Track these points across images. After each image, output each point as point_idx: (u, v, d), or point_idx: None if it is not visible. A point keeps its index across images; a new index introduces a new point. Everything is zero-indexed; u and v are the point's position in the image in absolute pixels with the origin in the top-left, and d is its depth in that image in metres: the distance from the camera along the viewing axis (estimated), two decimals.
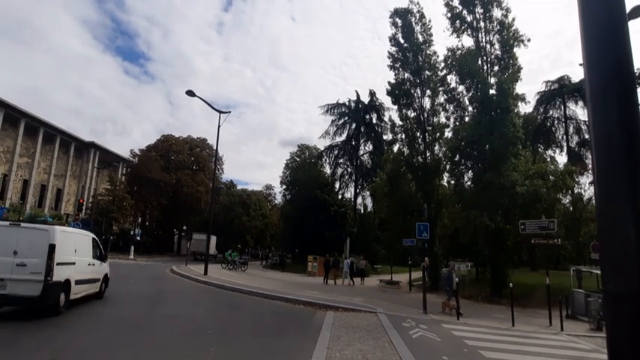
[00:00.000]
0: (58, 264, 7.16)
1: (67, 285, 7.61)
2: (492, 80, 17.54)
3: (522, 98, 18.10)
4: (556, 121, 39.05)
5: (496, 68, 17.78)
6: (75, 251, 8.24)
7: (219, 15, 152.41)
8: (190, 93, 20.04)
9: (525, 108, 24.71)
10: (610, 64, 1.48)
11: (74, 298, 8.07)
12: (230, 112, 22.12)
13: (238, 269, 25.00)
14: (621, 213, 1.38)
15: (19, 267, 6.79)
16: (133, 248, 33.59)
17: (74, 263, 8.05)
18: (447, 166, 20.22)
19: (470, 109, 18.98)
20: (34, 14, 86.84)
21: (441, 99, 20.57)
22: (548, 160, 28.32)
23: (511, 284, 11.32)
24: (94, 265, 9.37)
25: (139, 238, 38.00)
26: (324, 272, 21.41)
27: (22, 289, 6.76)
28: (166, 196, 43.13)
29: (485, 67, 17.93)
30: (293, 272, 26.10)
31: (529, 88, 73.56)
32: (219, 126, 21.03)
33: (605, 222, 1.48)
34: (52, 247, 7.09)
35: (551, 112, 39.49)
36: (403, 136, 21.60)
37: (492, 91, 17.20)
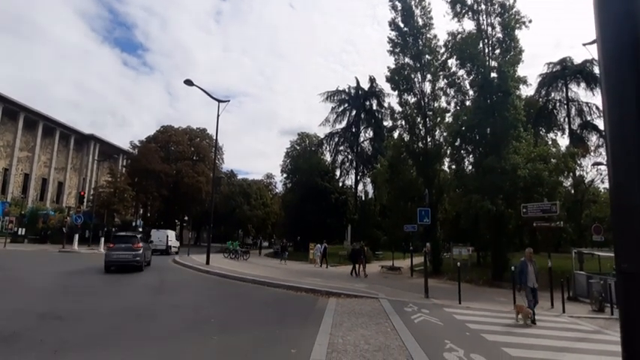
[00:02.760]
0: (169, 241, 28.44)
1: (170, 248, 28.10)
2: (493, 63, 17.26)
3: (524, 81, 17.84)
4: (558, 104, 38.54)
5: (497, 51, 17.46)
6: (167, 236, 28.63)
7: (218, 4, 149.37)
8: (188, 82, 19.76)
9: (527, 91, 24.36)
10: (625, 30, 1.40)
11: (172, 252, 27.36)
12: (229, 100, 21.90)
13: (240, 258, 25.15)
14: (636, 191, 1.31)
15: (160, 241, 27.14)
16: None
17: (171, 240, 29.11)
18: (448, 151, 20.07)
19: (471, 93, 18.73)
20: (31, 7, 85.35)
21: (442, 83, 20.27)
22: (550, 142, 28.02)
23: (513, 267, 11.30)
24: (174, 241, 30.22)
25: (140, 229, 38.15)
26: (352, 264, 18.34)
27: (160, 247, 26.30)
28: (167, 187, 43.20)
29: (486, 51, 17.60)
30: (294, 260, 26.24)
31: (531, 70, 72.48)
32: (218, 115, 20.84)
33: (619, 200, 1.42)
34: (167, 236, 28.38)
35: (553, 95, 38.94)
36: (403, 122, 21.37)
37: (493, 75, 16.97)
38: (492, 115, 16.55)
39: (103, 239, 29.09)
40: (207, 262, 18.45)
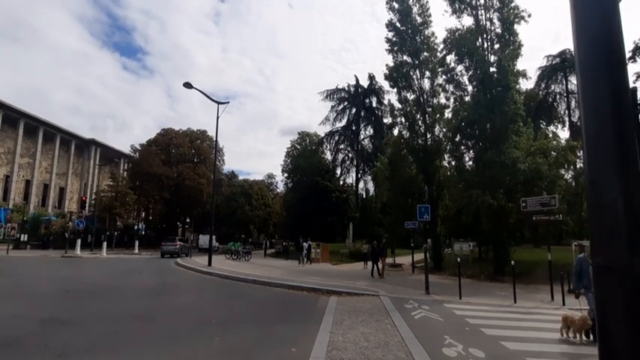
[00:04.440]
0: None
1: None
2: (492, 58, 17.29)
3: (523, 74, 17.90)
4: (558, 96, 38.47)
5: (496, 46, 17.50)
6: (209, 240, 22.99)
7: (216, 5, 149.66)
8: (188, 85, 19.85)
9: (526, 84, 24.39)
10: (601, 41, 1.47)
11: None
12: (229, 102, 21.98)
13: (242, 259, 25.23)
14: (610, 188, 1.38)
15: (204, 243, 34.25)
16: (137, 243, 33.92)
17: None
18: (448, 147, 20.09)
19: (470, 88, 18.77)
20: (29, 13, 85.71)
21: (441, 80, 20.29)
22: (550, 135, 27.98)
23: (513, 262, 11.33)
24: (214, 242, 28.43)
25: (143, 232, 38.32)
26: (371, 262, 17.15)
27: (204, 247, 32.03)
28: (169, 190, 43.33)
29: (485, 46, 17.63)
30: (296, 259, 26.30)
31: (530, 64, 72.24)
32: (217, 117, 20.91)
33: (594, 196, 1.50)
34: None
35: (552, 87, 38.87)
36: (403, 119, 21.39)
37: (492, 69, 17.01)
38: (492, 110, 16.57)
39: (105, 244, 29.25)
40: (209, 264, 18.53)
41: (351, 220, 38.12)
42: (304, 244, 25.40)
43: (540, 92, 37.75)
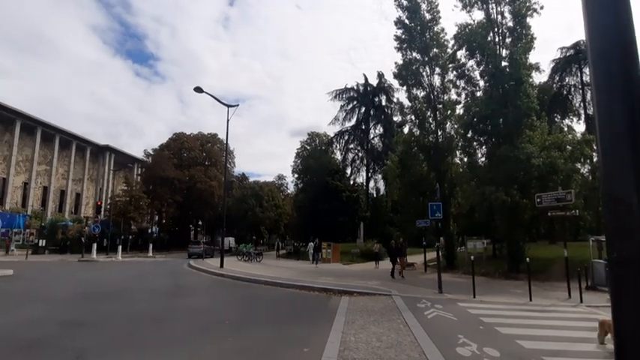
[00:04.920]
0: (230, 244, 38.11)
1: (232, 248, 37.13)
2: (504, 52, 17.04)
3: (536, 67, 17.60)
4: (572, 89, 37.50)
5: (508, 40, 17.22)
6: (230, 241, 38.10)
7: (225, 10, 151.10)
8: (198, 89, 20.11)
9: (540, 77, 23.90)
10: (613, 31, 1.43)
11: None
12: (238, 105, 22.16)
13: (253, 260, 25.39)
14: (624, 181, 1.34)
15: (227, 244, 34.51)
16: (151, 246, 34.49)
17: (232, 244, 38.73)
18: (460, 144, 19.82)
19: (481, 83, 18.50)
20: (45, 25, 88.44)
21: (451, 76, 20.06)
22: (566, 129, 27.31)
23: (528, 259, 11.09)
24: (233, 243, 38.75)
25: (156, 235, 38.95)
26: (391, 263, 16.17)
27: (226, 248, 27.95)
28: (181, 193, 43.91)
29: (496, 40, 17.38)
30: (308, 260, 26.33)
31: (543, 56, 70.67)
32: (227, 120, 21.11)
33: (608, 190, 1.45)
34: (232, 241, 39.31)
35: (567, 80, 37.91)
36: (413, 117, 21.23)
37: (504, 63, 16.78)
38: (505, 104, 16.33)
39: (120, 247, 29.84)
40: (222, 266, 18.70)
41: (362, 219, 37.95)
42: (310, 243, 25.74)
43: (554, 85, 36.86)
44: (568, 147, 16.99)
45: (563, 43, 62.81)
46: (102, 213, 35.82)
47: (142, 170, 51.75)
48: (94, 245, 27.71)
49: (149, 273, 17.48)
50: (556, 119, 31.40)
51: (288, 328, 6.67)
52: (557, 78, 37.81)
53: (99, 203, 34.85)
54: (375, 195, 46.13)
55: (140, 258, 30.19)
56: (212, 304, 9.62)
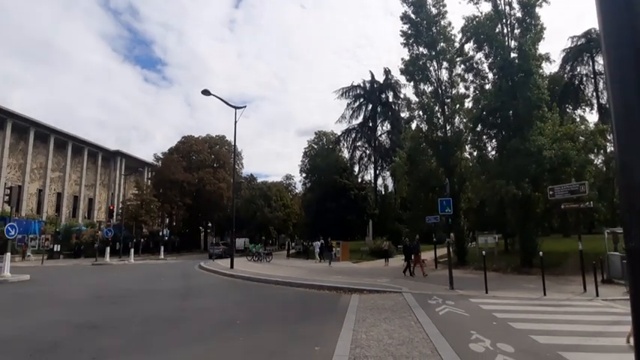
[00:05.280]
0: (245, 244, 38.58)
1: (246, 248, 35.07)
2: (513, 44, 16.78)
3: (546, 58, 17.28)
4: (584, 78, 36.65)
5: (517, 31, 16.94)
6: (245, 242, 39.94)
7: (231, 12, 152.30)
8: (206, 92, 20.24)
9: (550, 68, 23.45)
10: (627, 17, 1.38)
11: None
12: (245, 106, 22.24)
13: (263, 260, 25.50)
14: None
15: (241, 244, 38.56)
16: (162, 248, 34.94)
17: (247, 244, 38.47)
18: (469, 138, 19.58)
19: (490, 76, 18.24)
20: (56, 34, 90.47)
21: (459, 69, 19.81)
22: (578, 119, 26.73)
23: (541, 253, 10.89)
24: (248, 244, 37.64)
25: (167, 238, 39.45)
26: (405, 261, 15.82)
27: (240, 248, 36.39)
28: (190, 196, 44.36)
29: (505, 31, 17.11)
30: (318, 259, 26.33)
31: (554, 46, 69.07)
32: (235, 122, 21.22)
33: (624, 180, 1.42)
34: (245, 242, 39.54)
35: (578, 70, 37.06)
36: (421, 112, 21.01)
37: (514, 55, 16.53)
38: (514, 96, 16.11)
39: (132, 251, 30.30)
40: (232, 266, 18.84)
41: (371, 217, 37.80)
42: (316, 242, 25.93)
43: (565, 75, 36.06)
44: (581, 138, 16.62)
45: (573, 32, 61.44)
46: (114, 217, 36.41)
47: (152, 174, 52.44)
48: (107, 249, 28.20)
49: (161, 275, 17.71)
50: (568, 110, 30.74)
51: (299, 327, 6.68)
52: (569, 68, 37.00)
53: (111, 208, 35.45)
54: (383, 192, 45.88)
55: (152, 261, 30.62)
56: (223, 305, 9.69)
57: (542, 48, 16.65)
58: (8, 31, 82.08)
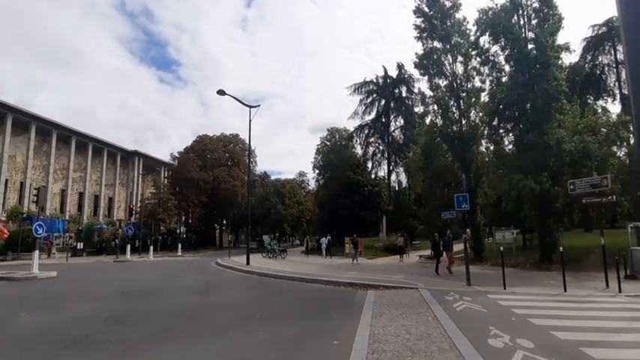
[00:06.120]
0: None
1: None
2: (530, 35, 16.38)
3: (566, 48, 16.83)
4: (606, 68, 35.30)
5: (534, 22, 16.53)
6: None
7: (243, 12, 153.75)
8: (221, 92, 20.52)
9: (570, 58, 22.79)
10: None
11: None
12: (259, 105, 22.41)
13: (278, 257, 25.79)
14: None
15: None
16: (180, 245, 35.75)
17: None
18: (485, 132, 19.24)
19: (507, 68, 17.84)
20: (75, 38, 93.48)
21: (475, 62, 19.43)
22: (600, 111, 25.84)
23: (561, 248, 10.68)
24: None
25: (183, 235, 40.33)
26: (434, 258, 15.36)
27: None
28: (206, 194, 45.15)
29: (521, 22, 16.70)
30: (331, 255, 26.49)
31: (574, 35, 66.88)
32: (250, 120, 21.41)
33: None
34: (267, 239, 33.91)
35: (600, 59, 35.70)
36: (435, 107, 20.75)
37: (531, 46, 16.12)
38: (532, 89, 15.76)
39: (151, 248, 31.12)
40: (248, 263, 19.16)
41: (385, 213, 37.64)
42: (323, 239, 26.34)
43: (586, 65, 34.81)
44: (603, 130, 16.14)
45: (594, 20, 59.08)
46: (133, 215, 37.44)
47: (169, 173, 53.58)
48: (128, 246, 29.08)
49: (180, 272, 18.18)
50: (589, 101, 29.75)
51: (317, 322, 6.80)
52: (590, 57, 35.69)
53: (131, 206, 36.43)
54: (397, 188, 45.57)
55: (170, 257, 31.40)
56: (242, 300, 9.92)
57: (561, 38, 16.23)
58: (31, 36, 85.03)
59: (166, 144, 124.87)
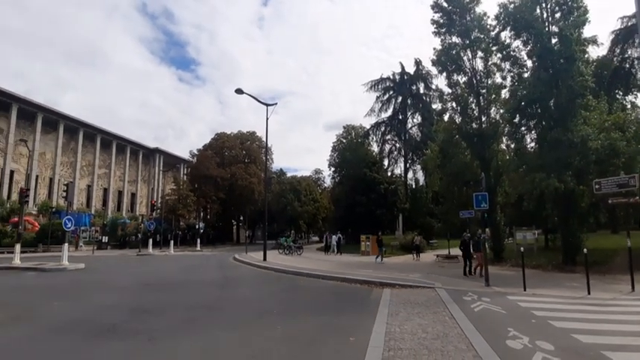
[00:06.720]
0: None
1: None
2: (554, 29, 15.80)
3: (593, 41, 16.18)
4: (636, 62, 33.61)
5: (557, 15, 15.93)
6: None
7: (259, 10, 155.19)
8: (239, 91, 20.85)
9: (597, 51, 21.87)
10: None
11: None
12: (276, 103, 22.62)
13: (294, 253, 26.04)
14: None
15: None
16: (199, 240, 36.63)
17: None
18: (506, 129, 18.76)
19: (529, 64, 17.31)
20: (99, 39, 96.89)
21: (495, 58, 18.90)
22: (629, 107, 24.71)
23: (585, 250, 10.35)
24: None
25: (202, 230, 41.28)
26: (463, 259, 14.00)
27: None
28: (223, 190, 45.97)
29: (544, 16, 16.14)
30: (347, 253, 26.50)
31: (601, 28, 63.88)
32: (267, 119, 21.62)
33: None
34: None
35: (629, 52, 33.96)
36: (454, 104, 20.33)
37: (554, 40, 15.58)
38: (555, 85, 15.25)
39: (172, 242, 32.05)
40: (264, 259, 19.47)
41: (401, 211, 37.31)
42: (333, 236, 26.78)
43: (615, 59, 33.21)
44: (631, 127, 15.45)
45: (623, 12, 56.23)
46: (155, 211, 38.61)
47: (188, 170, 54.86)
48: (150, 241, 30.07)
49: (200, 266, 18.70)
50: (617, 96, 28.45)
51: (333, 319, 6.89)
52: (618, 50, 33.99)
53: (153, 202, 37.62)
54: (414, 186, 45.06)
55: (189, 252, 32.24)
56: (259, 295, 10.14)
57: (587, 31, 15.55)
58: (59, 38, 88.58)
59: (185, 141, 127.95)
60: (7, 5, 76.55)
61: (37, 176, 41.01)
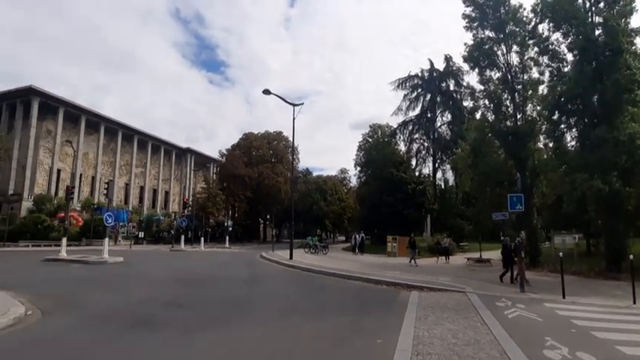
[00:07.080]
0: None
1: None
2: (597, 19, 14.85)
3: None
4: None
5: (601, 5, 14.94)
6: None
7: (286, 11, 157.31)
8: (267, 92, 21.25)
9: None
10: None
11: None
12: (303, 103, 22.77)
13: (320, 253, 26.14)
14: None
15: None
16: (227, 238, 37.69)
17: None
18: (543, 127, 17.80)
19: (569, 57, 16.36)
20: (135, 44, 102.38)
21: (532, 52, 18.03)
22: None
23: (631, 256, 9.62)
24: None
25: (230, 228, 42.41)
26: (503, 265, 12.83)
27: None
28: (251, 189, 47.00)
29: (587, 6, 15.19)
30: (372, 253, 26.25)
31: None
32: (294, 118, 21.80)
33: None
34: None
35: None
36: (486, 101, 19.58)
37: (598, 32, 14.61)
38: (599, 79, 14.30)
39: (202, 239, 33.22)
40: (291, 257, 19.69)
41: (429, 212, 36.41)
42: (355, 235, 26.68)
43: None
44: None
45: None
46: (187, 209, 40.19)
47: (217, 169, 56.57)
48: (182, 237, 31.37)
49: (228, 262, 19.25)
50: None
51: (360, 319, 6.84)
52: None
53: (185, 200, 39.16)
54: (443, 186, 43.82)
55: (218, 249, 33.27)
56: (286, 293, 10.28)
57: (635, 21, 14.42)
58: (98, 44, 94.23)
59: (215, 141, 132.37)
60: (49, 16, 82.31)
61: (80, 175, 43.89)
